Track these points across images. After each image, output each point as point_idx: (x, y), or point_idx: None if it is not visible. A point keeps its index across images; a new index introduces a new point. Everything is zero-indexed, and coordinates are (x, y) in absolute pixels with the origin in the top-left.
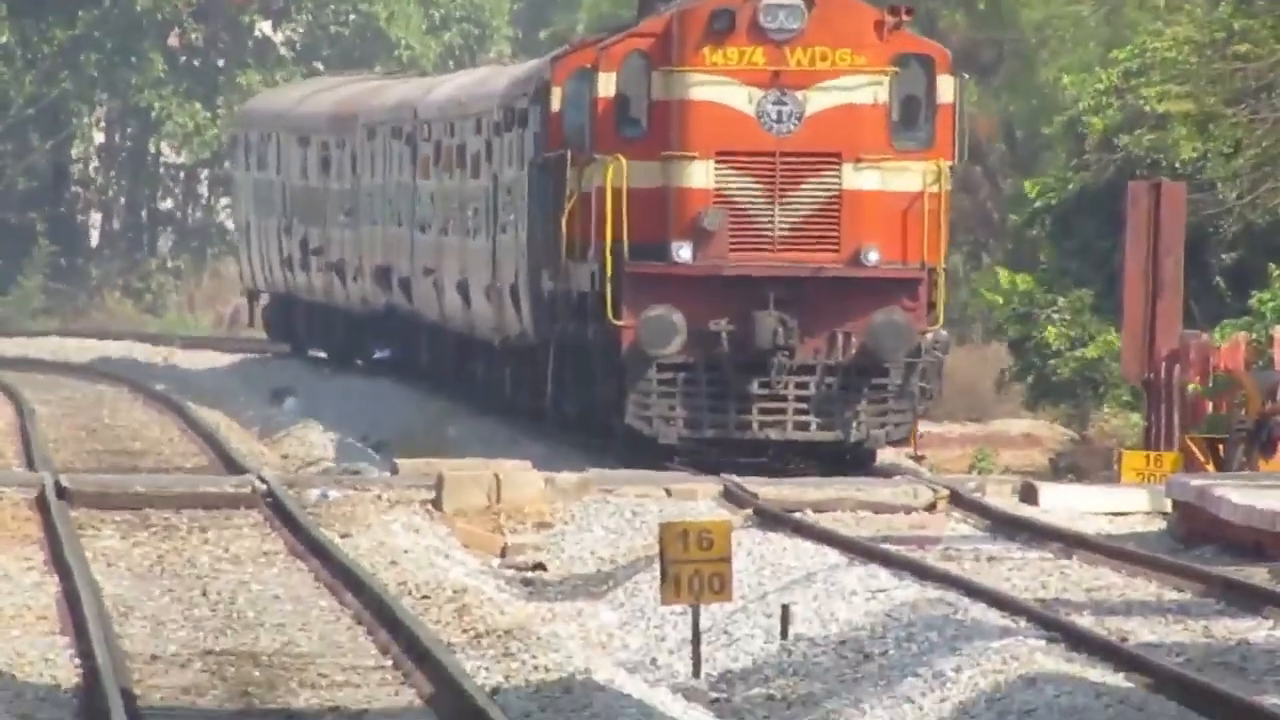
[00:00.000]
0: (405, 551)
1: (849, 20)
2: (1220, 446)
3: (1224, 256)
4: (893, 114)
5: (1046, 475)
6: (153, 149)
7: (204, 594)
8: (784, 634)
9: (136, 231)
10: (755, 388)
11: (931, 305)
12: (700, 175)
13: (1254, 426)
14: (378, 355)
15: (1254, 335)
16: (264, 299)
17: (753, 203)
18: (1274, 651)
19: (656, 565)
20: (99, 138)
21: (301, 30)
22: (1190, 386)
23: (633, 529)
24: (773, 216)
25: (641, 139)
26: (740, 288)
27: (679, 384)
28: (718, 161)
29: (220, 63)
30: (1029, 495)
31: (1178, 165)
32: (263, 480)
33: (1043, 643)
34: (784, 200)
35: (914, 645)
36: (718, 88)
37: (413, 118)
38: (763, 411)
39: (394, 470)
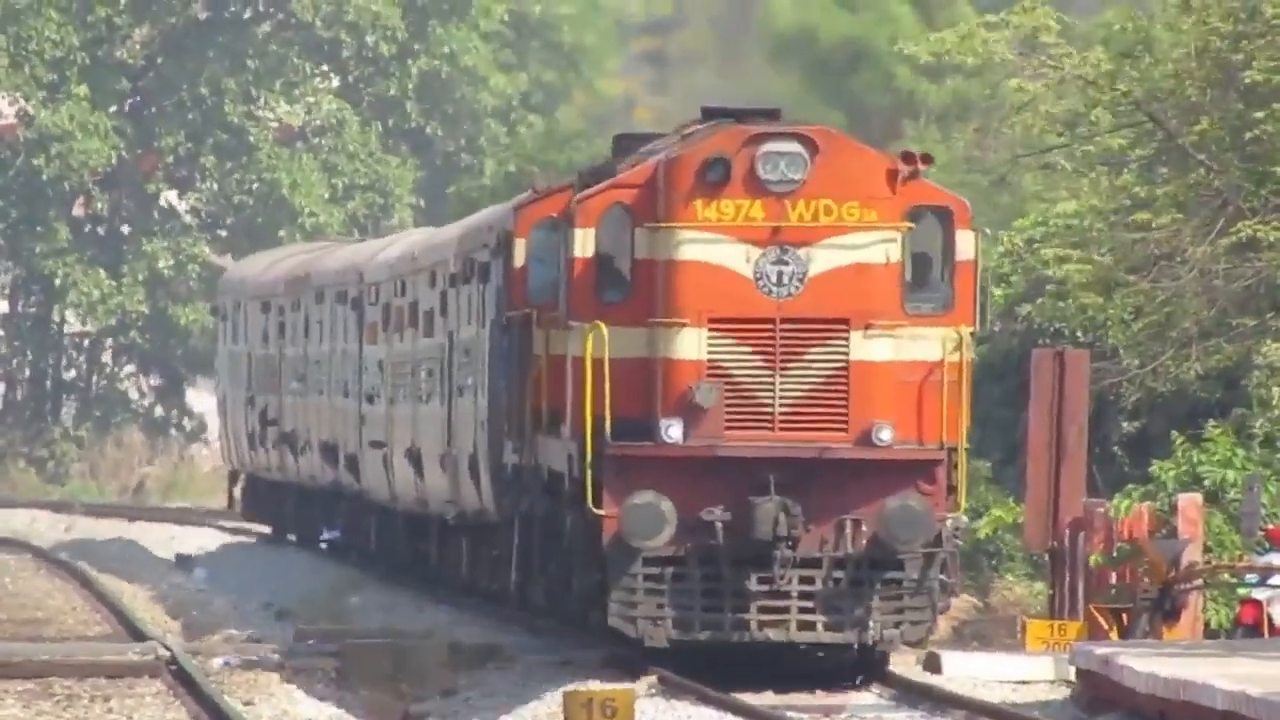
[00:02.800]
0: (311, 718)
1: (857, 169)
2: (1125, 615)
3: (1125, 425)
4: (906, 274)
5: (951, 643)
6: (56, 317)
7: None
8: None
9: (39, 400)
10: (754, 584)
11: (952, 489)
12: (691, 345)
13: (1158, 595)
14: (325, 536)
15: (1157, 504)
16: (242, 480)
17: (751, 375)
18: None
19: None
20: (3, 306)
21: (206, 199)
22: (1093, 557)
23: (537, 697)
24: (773, 391)
25: (624, 303)
26: (737, 471)
27: (668, 580)
28: (711, 329)
29: (125, 230)
30: (933, 663)
31: (1079, 334)
32: (166, 648)
33: None
34: (785, 372)
35: None
36: (711, 246)
37: (358, 281)
38: (763, 610)
39: (297, 637)
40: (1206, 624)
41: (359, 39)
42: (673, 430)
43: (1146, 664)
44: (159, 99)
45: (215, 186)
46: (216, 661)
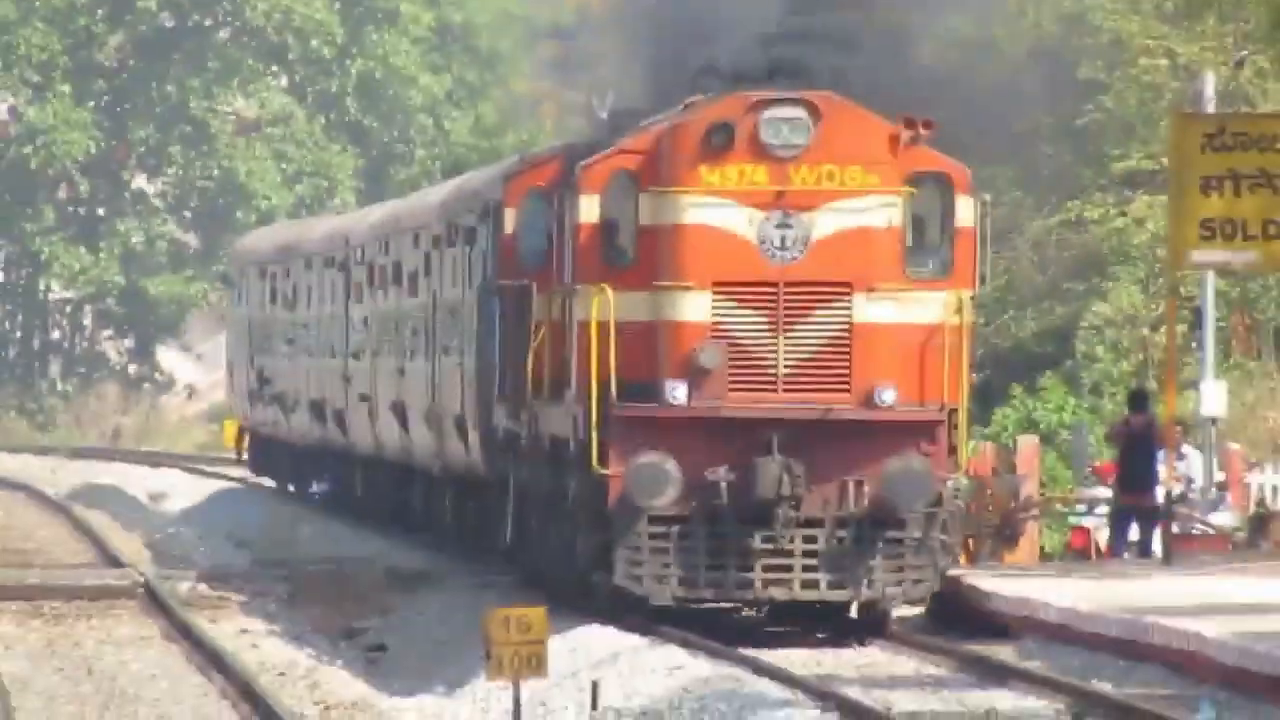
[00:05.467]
0: (264, 634)
1: (860, 134)
2: (972, 542)
3: (973, 375)
4: (907, 238)
5: None
6: (43, 287)
7: (89, 672)
8: (594, 706)
9: (29, 359)
10: (758, 543)
11: (953, 450)
12: (696, 307)
13: (1000, 524)
14: (315, 490)
15: (999, 446)
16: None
17: (754, 338)
18: (1018, 718)
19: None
20: None
21: (173, 183)
22: None
23: (462, 614)
24: (776, 353)
25: (629, 268)
26: (741, 432)
27: (673, 539)
28: (715, 292)
29: (101, 212)
30: None
31: None
32: (141, 574)
33: (819, 712)
34: (789, 335)
35: (706, 715)
36: (715, 210)
37: (345, 244)
38: (766, 569)
39: (254, 564)
40: (1042, 549)
41: (304, 43)
42: (677, 392)
43: (991, 584)
44: (132, 96)
45: (181, 173)
46: (184, 585)
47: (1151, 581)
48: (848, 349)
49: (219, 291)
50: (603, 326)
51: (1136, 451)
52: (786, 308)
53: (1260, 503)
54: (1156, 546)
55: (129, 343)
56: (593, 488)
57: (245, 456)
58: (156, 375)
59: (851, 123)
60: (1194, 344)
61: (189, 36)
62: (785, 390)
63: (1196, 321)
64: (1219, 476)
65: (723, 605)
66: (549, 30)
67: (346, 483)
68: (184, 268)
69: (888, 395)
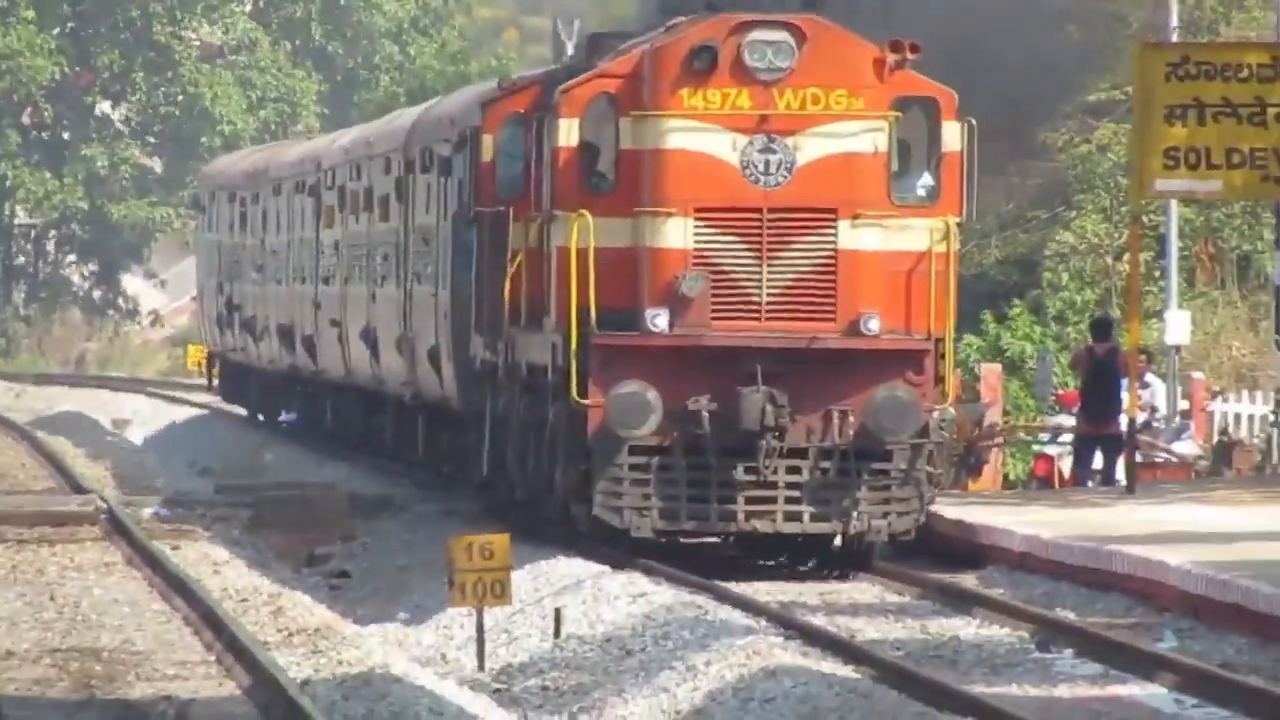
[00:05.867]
0: (227, 561)
1: (845, 58)
2: None
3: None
4: (893, 164)
5: None
6: (7, 212)
7: (52, 599)
8: (557, 633)
9: None
10: (741, 474)
11: (939, 380)
12: (677, 234)
13: (964, 452)
14: (283, 418)
15: (963, 374)
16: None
17: (737, 265)
18: (981, 646)
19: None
20: None
21: (137, 109)
22: None
23: (425, 541)
24: (760, 280)
25: (609, 193)
26: (723, 361)
27: (654, 470)
28: (697, 218)
29: (66, 137)
30: None
31: None
32: (103, 500)
33: (782, 640)
34: (773, 262)
35: (670, 642)
36: (697, 134)
37: (315, 169)
38: (749, 501)
39: (217, 490)
40: (1006, 476)
41: None
42: (659, 320)
43: (956, 512)
44: (96, 22)
45: (145, 98)
46: (147, 511)
47: (1115, 510)
48: (833, 277)
49: (183, 217)
50: (582, 253)
51: (1100, 380)
52: (770, 234)
53: (1223, 431)
54: (1120, 475)
55: (93, 268)
56: (571, 417)
57: (215, 384)
58: (120, 301)
59: (837, 46)
60: (1158, 273)
61: None
62: (769, 319)
63: (1160, 250)
64: (1182, 405)
65: (706, 539)
66: None
67: (316, 410)
68: (149, 193)
69: (873, 324)
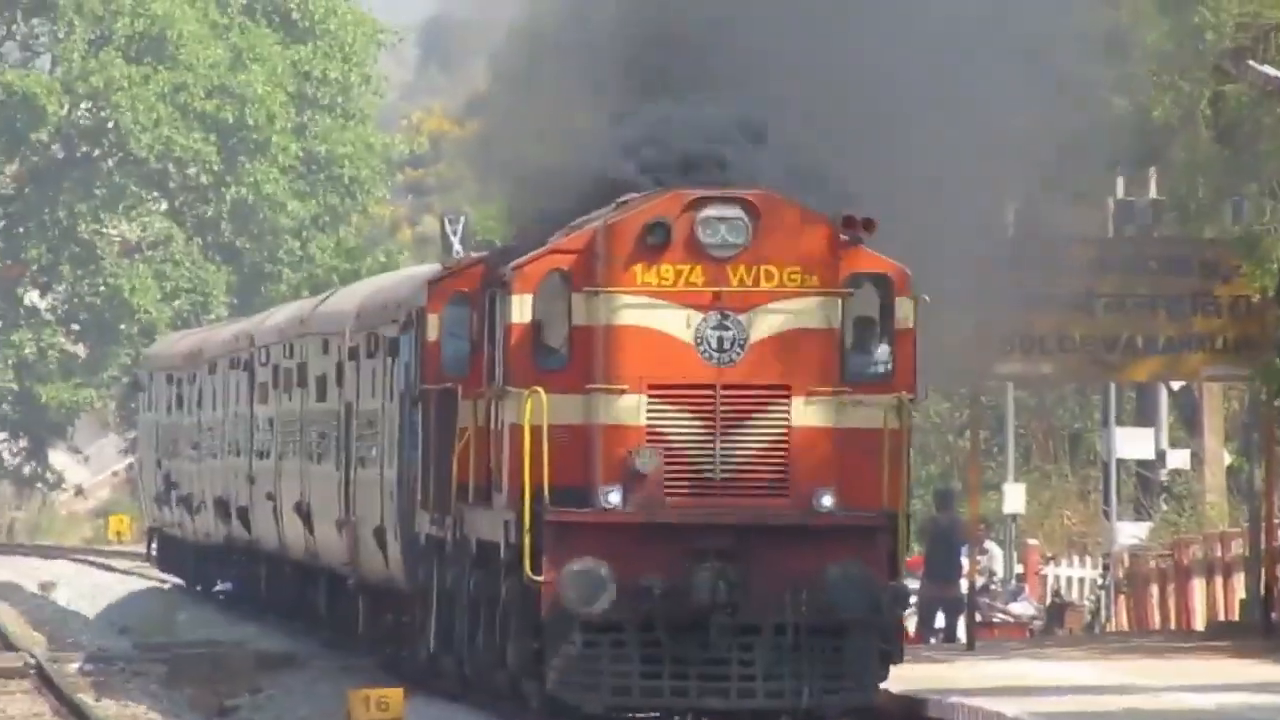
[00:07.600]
0: (145, 712)
1: (798, 235)
2: None
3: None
4: (847, 341)
5: None
6: None
7: None
8: None
9: None
10: (693, 651)
11: (892, 556)
12: (631, 410)
13: None
14: (219, 588)
15: None
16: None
17: (691, 441)
18: None
19: None
20: None
21: (63, 299)
22: None
23: (325, 694)
24: (714, 457)
25: (562, 370)
26: (677, 538)
27: (606, 647)
28: (650, 395)
29: None
30: None
31: None
32: (33, 656)
33: None
34: (726, 438)
35: None
36: (651, 311)
37: (249, 345)
38: (702, 678)
39: (136, 647)
40: None
41: (183, 171)
42: (612, 496)
43: None
44: (25, 220)
45: (70, 289)
46: (72, 667)
47: (957, 665)
48: (786, 453)
49: (104, 399)
50: (535, 430)
51: (942, 546)
52: (724, 411)
53: (1056, 593)
54: (961, 633)
55: (23, 444)
56: (524, 593)
57: (154, 555)
58: (48, 475)
59: (790, 222)
60: (996, 448)
61: (78, 165)
62: (722, 495)
63: (998, 427)
64: (1018, 569)
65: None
66: (405, 159)
67: (252, 579)
68: (73, 376)
69: (826, 500)
